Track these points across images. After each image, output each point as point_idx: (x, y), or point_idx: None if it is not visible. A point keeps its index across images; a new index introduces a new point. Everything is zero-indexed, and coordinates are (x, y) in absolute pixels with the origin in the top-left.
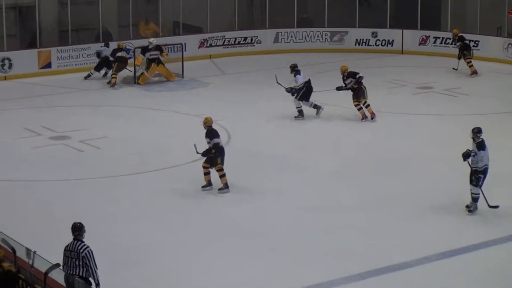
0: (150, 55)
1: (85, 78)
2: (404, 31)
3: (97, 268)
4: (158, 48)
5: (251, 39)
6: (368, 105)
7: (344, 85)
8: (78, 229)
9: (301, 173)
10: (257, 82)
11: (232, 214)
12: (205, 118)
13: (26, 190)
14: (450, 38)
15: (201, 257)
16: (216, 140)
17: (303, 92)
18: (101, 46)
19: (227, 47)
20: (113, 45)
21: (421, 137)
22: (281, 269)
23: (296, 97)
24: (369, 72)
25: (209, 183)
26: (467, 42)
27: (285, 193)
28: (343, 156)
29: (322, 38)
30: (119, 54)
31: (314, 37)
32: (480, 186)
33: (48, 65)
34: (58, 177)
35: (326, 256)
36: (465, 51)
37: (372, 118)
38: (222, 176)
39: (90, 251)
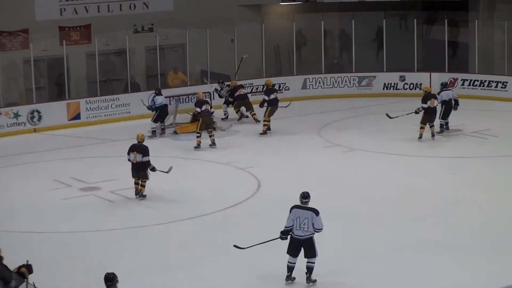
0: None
1: (151, 136)
2: (432, 74)
3: None
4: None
5: (279, 86)
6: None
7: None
8: (110, 280)
9: (333, 219)
10: (285, 129)
11: (268, 263)
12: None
13: (57, 241)
14: (478, 80)
15: None
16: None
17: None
18: (154, 96)
19: (255, 94)
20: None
21: (451, 179)
22: None
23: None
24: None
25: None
26: (277, 98)
27: (321, 241)
28: (373, 200)
29: (350, 83)
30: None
31: (342, 83)
32: (288, 252)
33: (77, 117)
34: (88, 228)
35: None
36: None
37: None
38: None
39: None
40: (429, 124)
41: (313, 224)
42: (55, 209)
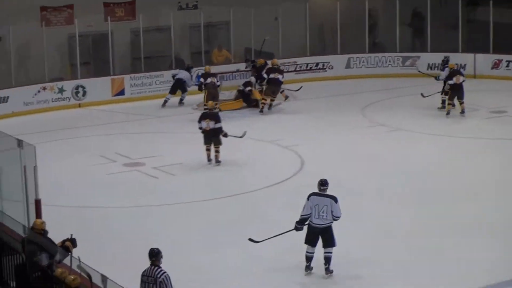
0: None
1: (163, 105)
2: (476, 55)
3: None
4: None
5: (323, 65)
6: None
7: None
8: (155, 255)
9: (378, 199)
10: (329, 108)
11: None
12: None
13: (101, 216)
14: None
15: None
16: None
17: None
18: (179, 70)
19: (299, 73)
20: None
21: (494, 161)
22: None
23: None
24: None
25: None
26: (278, 79)
27: (363, 220)
28: (416, 180)
29: (394, 63)
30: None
31: (386, 62)
32: (306, 242)
33: (122, 92)
34: (132, 204)
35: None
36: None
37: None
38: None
39: (167, 276)
40: (458, 101)
41: (331, 212)
42: (99, 184)
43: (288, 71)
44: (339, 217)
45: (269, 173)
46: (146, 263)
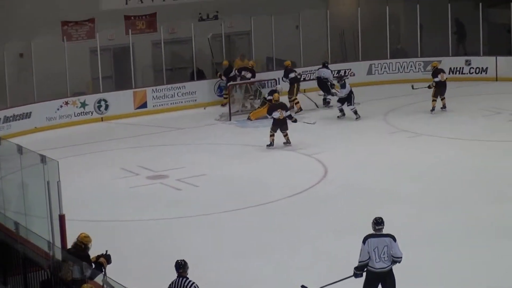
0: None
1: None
2: (498, 58)
3: None
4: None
5: (345, 72)
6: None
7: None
8: (182, 266)
9: (402, 203)
10: (351, 115)
11: (337, 249)
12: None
13: (125, 230)
14: None
15: None
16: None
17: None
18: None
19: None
20: None
21: None
22: None
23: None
24: (464, 100)
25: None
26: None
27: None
28: (443, 184)
29: (415, 68)
30: (292, 75)
31: (407, 68)
32: None
33: (144, 105)
34: (156, 216)
35: None
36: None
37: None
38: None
39: (196, 286)
40: (440, 97)
41: (391, 252)
42: (123, 198)
43: (310, 79)
44: (401, 257)
45: (293, 182)
46: (172, 275)
